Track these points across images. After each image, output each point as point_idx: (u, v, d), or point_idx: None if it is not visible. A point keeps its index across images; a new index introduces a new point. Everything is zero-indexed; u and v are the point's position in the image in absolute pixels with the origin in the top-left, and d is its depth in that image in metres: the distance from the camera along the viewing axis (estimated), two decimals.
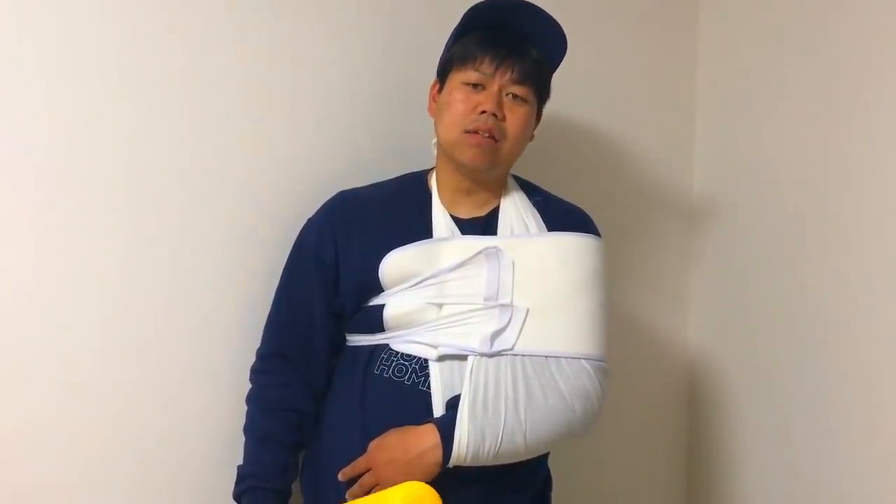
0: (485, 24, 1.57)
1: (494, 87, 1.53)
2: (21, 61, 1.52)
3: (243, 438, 1.56)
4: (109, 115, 1.58)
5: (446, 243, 1.54)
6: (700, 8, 2.15)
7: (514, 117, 1.54)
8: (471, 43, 1.56)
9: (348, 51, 1.78)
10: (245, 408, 1.59)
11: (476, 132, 1.52)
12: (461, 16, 1.59)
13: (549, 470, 1.64)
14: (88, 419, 1.57)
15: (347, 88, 1.77)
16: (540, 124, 1.64)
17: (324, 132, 1.76)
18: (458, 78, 1.55)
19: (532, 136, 1.62)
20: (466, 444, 1.42)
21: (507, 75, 1.53)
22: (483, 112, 1.52)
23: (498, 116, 1.52)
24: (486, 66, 1.53)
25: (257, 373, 1.60)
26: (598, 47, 2.03)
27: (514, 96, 1.54)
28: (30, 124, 1.53)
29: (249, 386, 1.60)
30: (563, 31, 1.59)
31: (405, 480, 1.42)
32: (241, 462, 1.55)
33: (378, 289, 1.54)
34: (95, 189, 1.57)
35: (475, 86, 1.54)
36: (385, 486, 1.44)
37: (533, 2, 1.59)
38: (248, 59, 1.69)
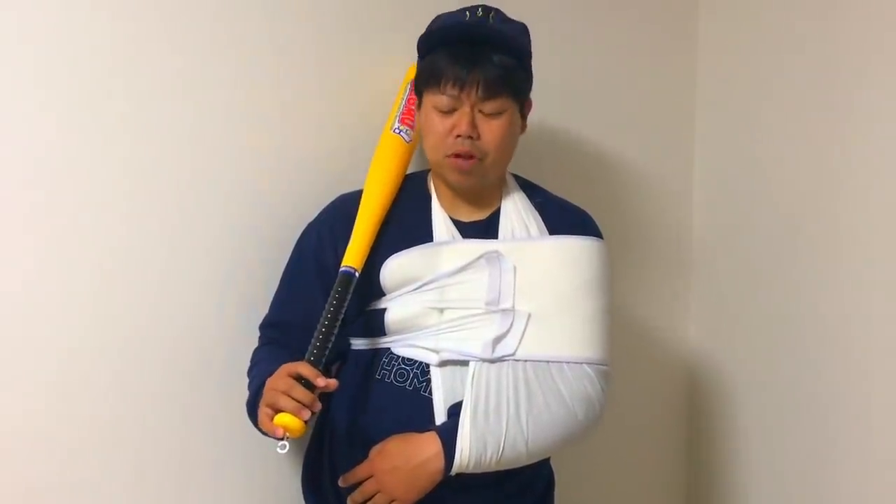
0: (444, 40, 1.54)
1: (465, 107, 1.50)
2: (21, 62, 1.51)
3: (248, 410, 1.50)
4: (109, 115, 1.57)
5: (447, 247, 1.53)
6: (700, 10, 2.15)
7: (491, 132, 1.51)
8: (436, 62, 1.52)
9: (349, 51, 1.77)
10: (246, 398, 1.54)
11: (457, 156, 1.51)
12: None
13: (551, 470, 1.64)
14: (87, 419, 1.56)
15: (349, 88, 1.77)
16: (537, 119, 1.62)
17: (325, 132, 1.75)
18: (429, 101, 1.53)
19: (524, 128, 1.60)
20: (468, 452, 1.42)
21: (475, 93, 1.49)
22: (458, 136, 1.50)
23: (474, 137, 1.50)
24: (452, 88, 1.49)
25: (256, 350, 1.60)
26: (598, 50, 2.03)
27: (487, 112, 1.51)
28: (29, 124, 1.52)
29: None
30: (520, 25, 1.56)
31: (407, 488, 1.43)
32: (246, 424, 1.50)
33: (379, 293, 1.53)
34: (95, 189, 1.56)
35: (447, 108, 1.51)
36: (386, 493, 1.44)
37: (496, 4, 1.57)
38: (248, 59, 1.68)
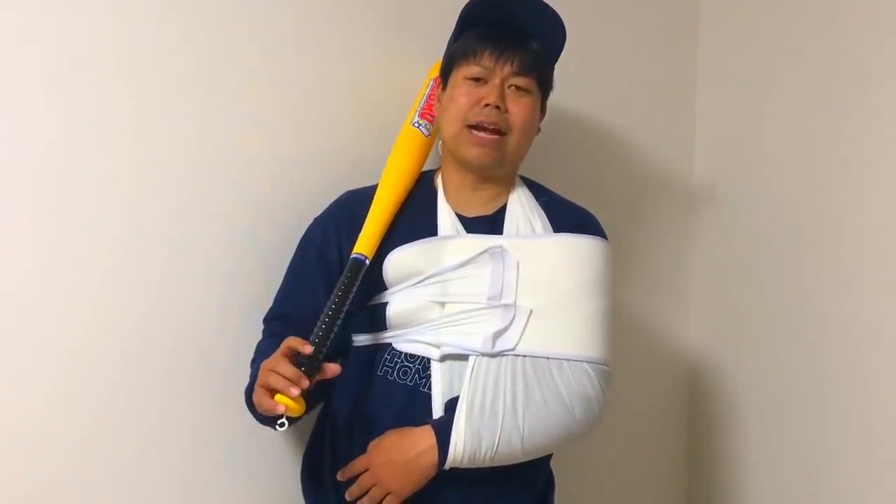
0: (483, 20, 1.57)
1: (496, 80, 1.53)
2: (22, 60, 1.51)
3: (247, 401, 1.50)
4: (110, 115, 1.57)
5: (451, 241, 1.53)
6: (700, 9, 2.16)
7: (518, 108, 1.54)
8: (470, 39, 1.56)
9: (350, 50, 1.77)
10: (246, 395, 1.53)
11: (479, 127, 1.52)
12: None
13: (551, 470, 1.63)
14: (88, 419, 1.56)
15: (350, 88, 1.77)
16: (546, 118, 1.63)
17: (326, 132, 1.75)
18: (460, 74, 1.55)
19: (538, 130, 1.62)
20: (462, 447, 1.42)
21: (509, 67, 1.53)
22: (486, 105, 1.51)
23: (501, 108, 1.52)
24: (487, 59, 1.53)
25: (259, 342, 1.60)
26: (600, 45, 2.03)
27: (517, 87, 1.54)
28: (30, 124, 1.52)
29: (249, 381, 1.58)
30: (561, 21, 1.59)
31: (402, 482, 1.43)
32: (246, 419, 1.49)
33: (382, 286, 1.53)
34: (96, 189, 1.56)
35: (477, 80, 1.54)
36: (382, 487, 1.44)
37: None
38: (249, 59, 1.68)
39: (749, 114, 2.02)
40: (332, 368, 1.39)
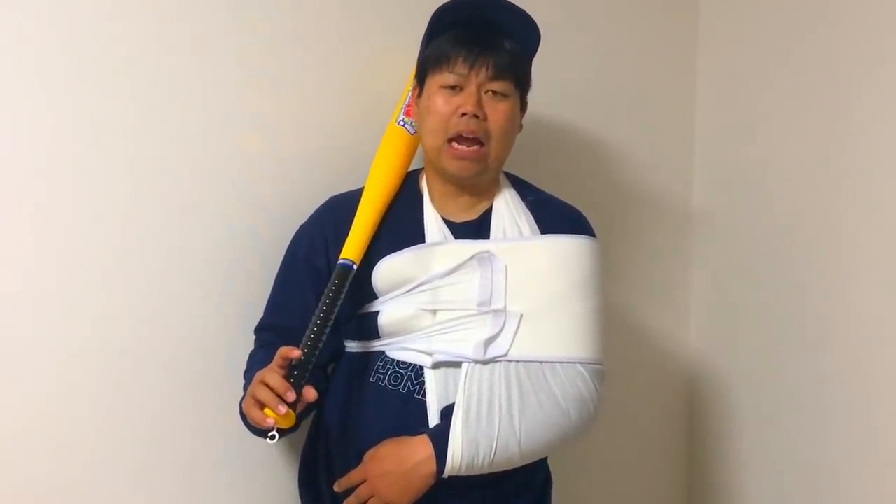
0: (454, 22, 1.54)
1: (472, 87, 1.50)
2: (22, 61, 1.51)
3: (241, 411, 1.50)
4: (109, 114, 1.57)
5: (439, 248, 1.52)
6: (700, 11, 2.15)
7: (497, 114, 1.51)
8: (443, 43, 1.53)
9: (350, 50, 1.77)
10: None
11: (460, 139, 1.50)
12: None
13: (548, 470, 1.64)
14: (87, 419, 1.57)
15: (350, 88, 1.77)
16: (536, 117, 1.62)
17: (326, 132, 1.75)
18: (435, 81, 1.52)
19: (520, 127, 1.59)
20: (460, 455, 1.41)
21: (484, 72, 1.50)
22: (464, 114, 1.49)
23: (479, 116, 1.49)
24: (461, 66, 1.50)
25: (252, 353, 1.60)
26: (598, 50, 2.02)
27: (494, 93, 1.51)
28: (30, 123, 1.52)
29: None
30: (532, 19, 1.56)
31: (401, 492, 1.43)
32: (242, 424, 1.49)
33: (372, 295, 1.52)
34: (96, 188, 1.57)
35: (453, 87, 1.51)
36: (380, 498, 1.44)
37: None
38: (248, 59, 1.68)
39: (748, 118, 2.01)
40: (311, 393, 1.38)
